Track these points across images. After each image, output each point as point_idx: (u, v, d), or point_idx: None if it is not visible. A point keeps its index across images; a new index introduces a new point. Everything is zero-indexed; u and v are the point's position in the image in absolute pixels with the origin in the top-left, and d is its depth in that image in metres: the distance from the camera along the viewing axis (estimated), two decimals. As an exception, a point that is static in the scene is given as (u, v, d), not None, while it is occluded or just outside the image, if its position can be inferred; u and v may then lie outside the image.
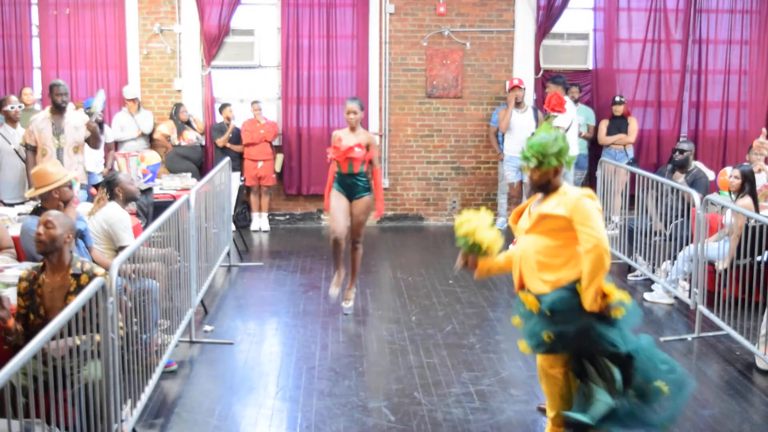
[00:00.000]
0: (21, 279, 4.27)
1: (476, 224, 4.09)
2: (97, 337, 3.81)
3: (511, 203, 9.88)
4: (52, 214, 4.28)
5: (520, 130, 9.22)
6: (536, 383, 5.24)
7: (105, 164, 8.98)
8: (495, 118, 10.14)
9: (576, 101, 10.03)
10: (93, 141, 7.20)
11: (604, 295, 3.80)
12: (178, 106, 9.88)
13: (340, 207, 6.63)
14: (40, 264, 4.29)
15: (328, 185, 6.82)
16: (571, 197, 3.92)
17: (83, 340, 3.67)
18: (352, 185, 6.66)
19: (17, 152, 7.66)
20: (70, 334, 3.47)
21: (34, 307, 4.17)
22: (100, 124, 8.88)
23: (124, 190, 5.78)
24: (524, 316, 4.01)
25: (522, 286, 4.06)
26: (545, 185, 4.03)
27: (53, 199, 5.26)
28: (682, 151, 7.64)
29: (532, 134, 4.15)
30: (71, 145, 7.06)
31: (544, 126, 4.19)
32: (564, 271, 3.90)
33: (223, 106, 9.97)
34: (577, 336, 3.83)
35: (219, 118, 10.09)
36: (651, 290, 7.18)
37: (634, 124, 10.00)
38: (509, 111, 9.56)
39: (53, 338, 3.23)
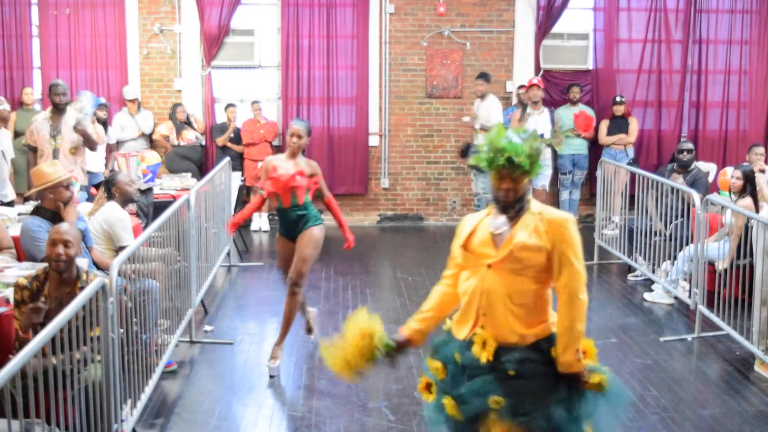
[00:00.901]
0: (22, 287, 4.18)
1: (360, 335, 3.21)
2: (98, 357, 3.81)
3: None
4: (63, 230, 4.22)
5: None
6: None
7: (106, 165, 8.99)
8: (505, 119, 10.13)
9: (577, 101, 10.03)
10: (87, 143, 7.18)
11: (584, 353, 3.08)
12: (176, 106, 9.88)
13: (288, 254, 5.56)
14: (40, 274, 4.23)
15: (240, 216, 5.68)
16: (551, 219, 3.09)
17: (83, 351, 3.63)
18: (297, 220, 5.54)
19: (2, 152, 7.62)
20: (69, 335, 3.47)
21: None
22: (104, 123, 8.91)
23: (121, 191, 5.77)
24: (465, 366, 3.12)
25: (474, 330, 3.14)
26: (521, 200, 3.10)
27: (49, 199, 5.25)
28: (690, 151, 7.64)
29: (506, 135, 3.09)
30: (68, 146, 7.05)
31: (499, 126, 3.17)
32: (537, 326, 3.11)
33: (228, 106, 9.98)
34: (535, 414, 3.03)
35: (221, 118, 10.10)
36: (651, 290, 7.18)
37: (634, 125, 9.99)
38: (520, 113, 9.30)
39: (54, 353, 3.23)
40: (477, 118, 9.52)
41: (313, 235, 5.53)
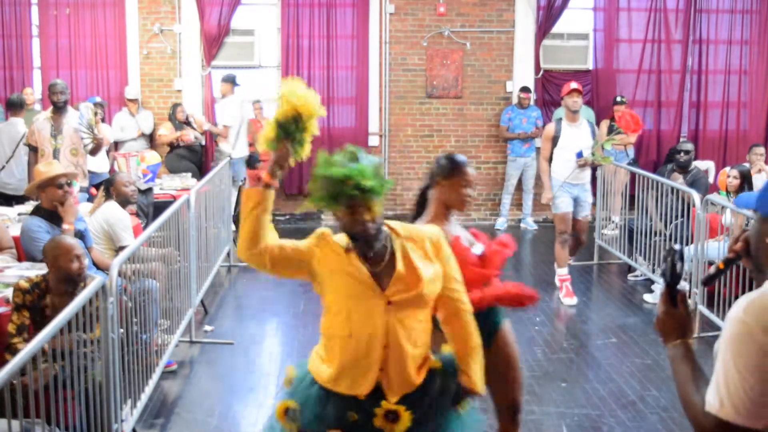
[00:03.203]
0: (24, 291, 4.14)
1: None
2: (90, 352, 3.80)
3: (558, 242, 7.29)
4: (74, 244, 4.24)
5: (574, 150, 7.03)
6: (536, 382, 5.25)
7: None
8: (504, 118, 10.12)
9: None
10: (94, 150, 7.21)
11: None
12: (175, 106, 9.86)
13: None
14: (40, 282, 4.20)
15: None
16: (430, 238, 2.79)
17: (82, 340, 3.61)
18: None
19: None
20: (70, 335, 3.47)
21: (42, 324, 4.10)
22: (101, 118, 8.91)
23: (118, 192, 5.77)
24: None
25: (374, 392, 2.72)
26: (380, 229, 2.71)
27: (44, 198, 5.25)
28: (687, 152, 7.63)
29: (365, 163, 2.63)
30: (68, 147, 7.04)
31: (322, 155, 2.65)
32: (424, 365, 2.83)
33: None
34: None
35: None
36: (651, 291, 7.17)
37: (635, 125, 9.98)
38: (554, 126, 7.19)
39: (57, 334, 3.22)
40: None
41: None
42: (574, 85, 7.12)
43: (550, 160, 7.11)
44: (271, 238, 2.73)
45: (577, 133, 7.05)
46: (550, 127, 7.16)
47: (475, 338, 2.86)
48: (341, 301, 2.72)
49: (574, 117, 7.07)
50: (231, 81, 9.27)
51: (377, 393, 2.72)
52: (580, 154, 6.98)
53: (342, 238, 2.75)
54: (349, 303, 2.71)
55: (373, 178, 2.58)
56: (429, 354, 2.83)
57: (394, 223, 2.80)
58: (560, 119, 7.20)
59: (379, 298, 2.68)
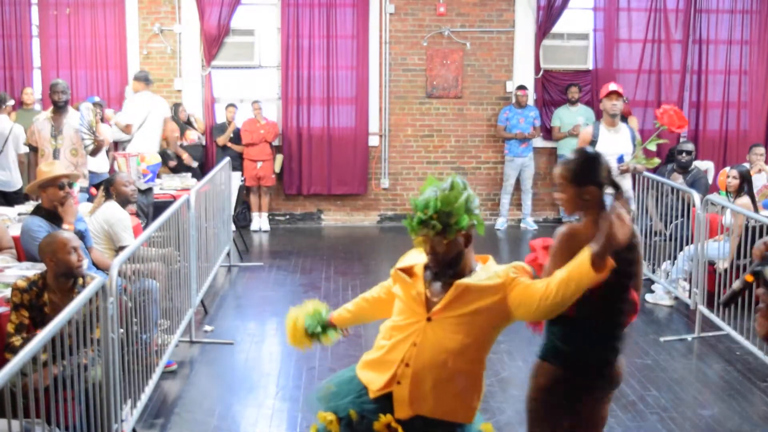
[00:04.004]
0: (22, 290, 4.12)
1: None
2: (91, 352, 3.80)
3: None
4: (72, 238, 4.25)
5: (611, 156, 5.66)
6: (536, 383, 5.25)
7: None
8: (501, 117, 10.13)
9: (576, 101, 10.02)
10: (95, 150, 7.21)
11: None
12: (176, 105, 9.86)
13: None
14: (37, 280, 4.19)
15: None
16: (496, 270, 2.81)
17: (66, 364, 3.55)
18: None
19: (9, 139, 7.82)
20: (70, 335, 3.47)
21: (42, 323, 4.10)
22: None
23: (117, 191, 5.77)
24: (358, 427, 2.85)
25: (384, 400, 2.80)
26: (453, 264, 2.76)
27: (44, 198, 5.25)
28: (689, 152, 7.62)
29: (435, 191, 2.80)
30: (68, 147, 7.03)
31: (429, 179, 2.89)
32: (461, 405, 2.90)
33: (228, 106, 9.99)
34: None
35: (221, 118, 10.11)
36: (651, 291, 7.18)
37: (634, 124, 9.98)
38: (592, 130, 6.54)
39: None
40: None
41: None
42: (613, 86, 6.48)
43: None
44: (372, 301, 3.19)
45: (615, 139, 6.40)
46: (588, 131, 6.55)
47: (569, 270, 2.68)
48: (398, 309, 2.90)
49: (613, 121, 6.43)
50: (143, 79, 9.04)
51: (386, 403, 2.78)
52: (621, 159, 6.32)
53: (412, 259, 2.98)
54: (403, 314, 2.85)
55: (436, 212, 2.68)
56: (475, 390, 2.91)
57: (482, 268, 2.84)
58: (598, 122, 6.58)
59: (423, 315, 2.79)
